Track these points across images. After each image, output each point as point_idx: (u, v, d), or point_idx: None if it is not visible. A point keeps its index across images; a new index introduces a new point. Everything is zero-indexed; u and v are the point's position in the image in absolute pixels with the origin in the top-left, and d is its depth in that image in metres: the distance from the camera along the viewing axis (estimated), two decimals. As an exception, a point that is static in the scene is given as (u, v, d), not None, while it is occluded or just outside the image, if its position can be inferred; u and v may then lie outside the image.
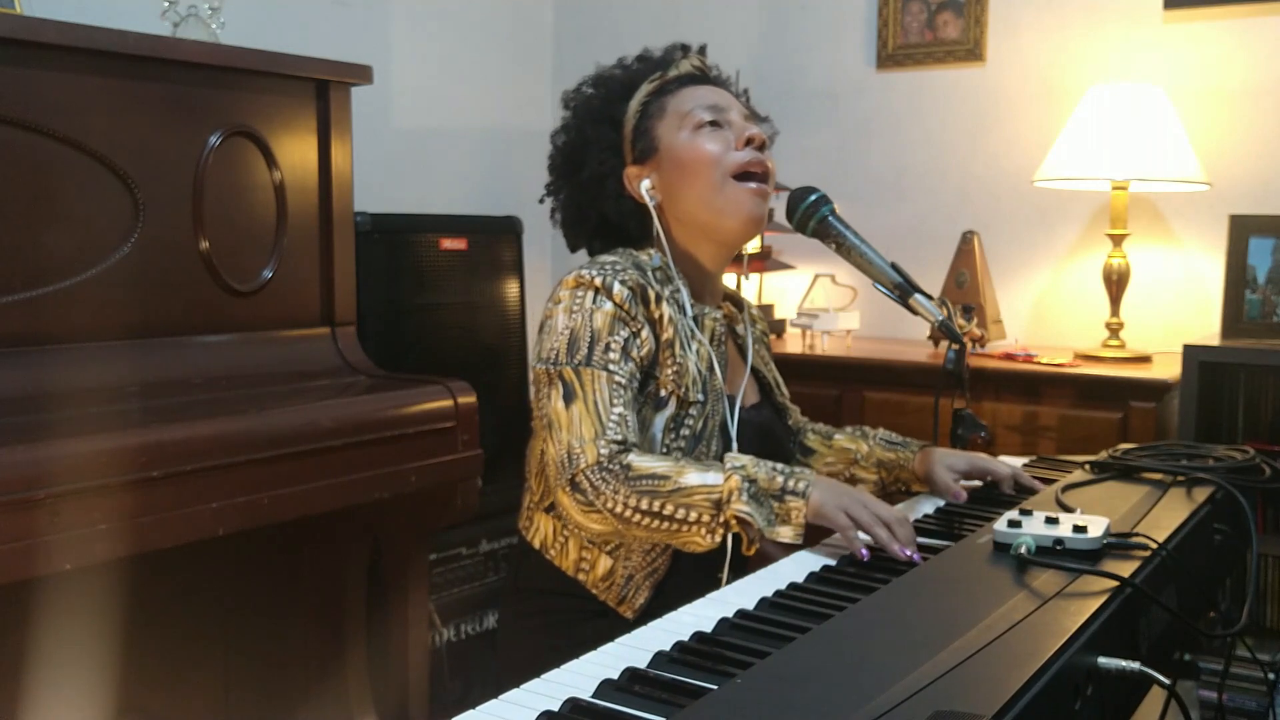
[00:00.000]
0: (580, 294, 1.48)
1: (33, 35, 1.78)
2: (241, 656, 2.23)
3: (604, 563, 1.48)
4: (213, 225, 2.05)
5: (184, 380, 1.96)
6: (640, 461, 1.38)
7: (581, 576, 1.49)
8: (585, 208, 1.63)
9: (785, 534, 1.35)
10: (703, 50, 1.69)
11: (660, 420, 1.48)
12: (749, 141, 1.54)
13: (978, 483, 1.63)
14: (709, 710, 0.84)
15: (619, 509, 1.36)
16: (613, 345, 1.44)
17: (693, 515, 1.34)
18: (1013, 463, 1.83)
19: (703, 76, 1.64)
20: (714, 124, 1.55)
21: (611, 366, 1.43)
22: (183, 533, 1.71)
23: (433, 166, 3.29)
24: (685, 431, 1.48)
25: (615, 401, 1.42)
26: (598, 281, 1.47)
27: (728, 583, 1.42)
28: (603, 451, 1.38)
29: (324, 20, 2.94)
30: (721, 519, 1.34)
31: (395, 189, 3.10)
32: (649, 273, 1.52)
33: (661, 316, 1.49)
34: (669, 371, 1.48)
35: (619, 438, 1.40)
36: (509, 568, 1.83)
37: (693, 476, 1.35)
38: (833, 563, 1.29)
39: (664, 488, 1.35)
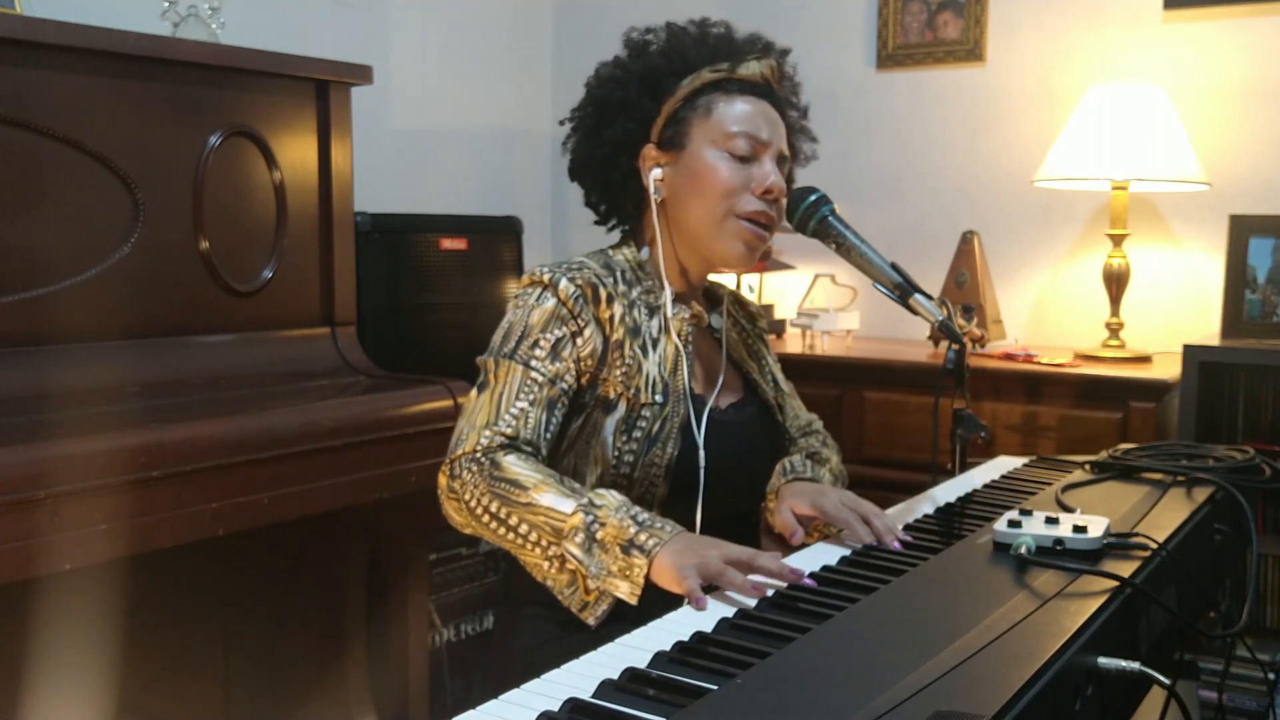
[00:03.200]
0: (529, 291, 1.48)
1: (33, 35, 1.78)
2: (241, 656, 2.22)
3: None
4: (213, 225, 2.05)
5: (184, 380, 1.97)
6: (511, 464, 1.34)
7: (550, 582, 1.48)
8: (595, 165, 1.61)
9: (622, 589, 1.26)
10: (784, 54, 1.62)
11: (611, 423, 1.46)
12: (766, 192, 1.52)
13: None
14: (709, 710, 0.84)
15: (473, 504, 1.34)
16: (542, 342, 1.43)
17: (533, 536, 1.31)
18: (1011, 463, 1.82)
19: (766, 88, 1.57)
20: (744, 158, 1.51)
21: (533, 363, 1.42)
22: (183, 533, 1.71)
23: (433, 166, 3.29)
24: (638, 434, 1.46)
25: (522, 396, 1.40)
26: (546, 278, 1.46)
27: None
28: (482, 441, 1.36)
29: (324, 20, 2.94)
30: (558, 551, 1.30)
31: (395, 189, 3.10)
32: (617, 273, 1.51)
33: (611, 316, 1.47)
34: (617, 372, 1.46)
35: (509, 431, 1.38)
36: (504, 573, 1.82)
37: (548, 497, 1.31)
38: (832, 563, 1.29)
39: (517, 498, 1.32)
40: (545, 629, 1.49)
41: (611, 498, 1.32)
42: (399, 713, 2.27)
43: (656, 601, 1.21)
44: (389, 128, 3.15)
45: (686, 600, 1.17)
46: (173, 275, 2.00)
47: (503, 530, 1.34)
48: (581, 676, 0.95)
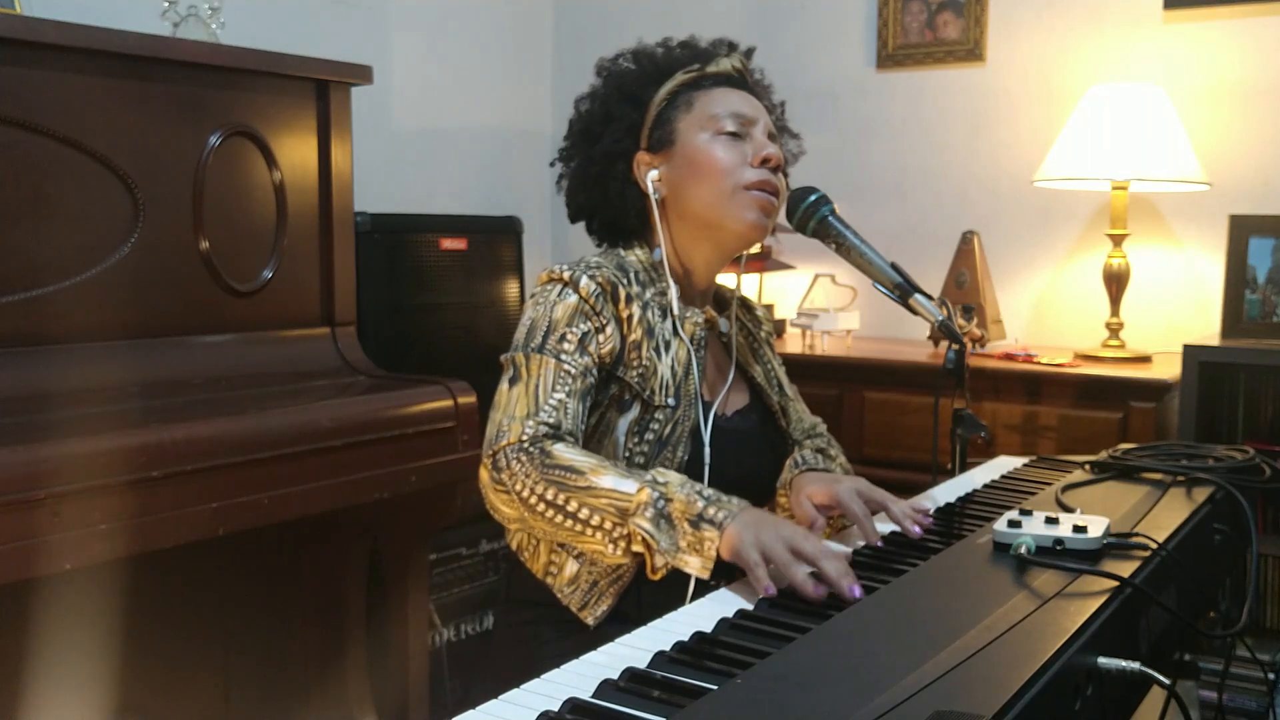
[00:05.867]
0: (550, 287, 1.48)
1: (33, 35, 1.78)
2: (241, 656, 2.23)
3: (570, 567, 1.46)
4: (213, 225, 2.05)
5: (184, 380, 1.97)
6: (562, 451, 1.32)
7: (550, 580, 1.47)
8: (590, 183, 1.61)
9: (693, 564, 1.24)
10: (749, 53, 1.66)
11: (624, 423, 1.46)
12: (765, 161, 1.52)
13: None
14: (709, 710, 0.84)
15: (526, 494, 1.32)
16: (569, 336, 1.43)
17: (595, 519, 1.29)
18: (1011, 463, 1.82)
19: (740, 80, 1.61)
20: (735, 135, 1.53)
21: (563, 356, 1.42)
22: (183, 533, 1.71)
23: (433, 166, 3.29)
24: (650, 435, 1.46)
25: (558, 387, 1.39)
26: (566, 276, 1.46)
27: (693, 598, 1.40)
28: (527, 432, 1.35)
29: (324, 20, 2.94)
30: (624, 530, 1.27)
31: (395, 189, 3.10)
32: (631, 274, 1.51)
33: (630, 316, 1.47)
34: (633, 373, 1.46)
35: (552, 421, 1.37)
36: (505, 573, 1.82)
37: (608, 479, 1.29)
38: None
39: (575, 483, 1.29)
40: (545, 629, 1.49)
41: (672, 475, 1.31)
42: (399, 713, 2.27)
43: (656, 601, 1.21)
44: (389, 128, 3.15)
45: (752, 584, 1.18)
46: (173, 275, 2.00)
47: (560, 517, 1.31)
48: (581, 676, 0.95)
